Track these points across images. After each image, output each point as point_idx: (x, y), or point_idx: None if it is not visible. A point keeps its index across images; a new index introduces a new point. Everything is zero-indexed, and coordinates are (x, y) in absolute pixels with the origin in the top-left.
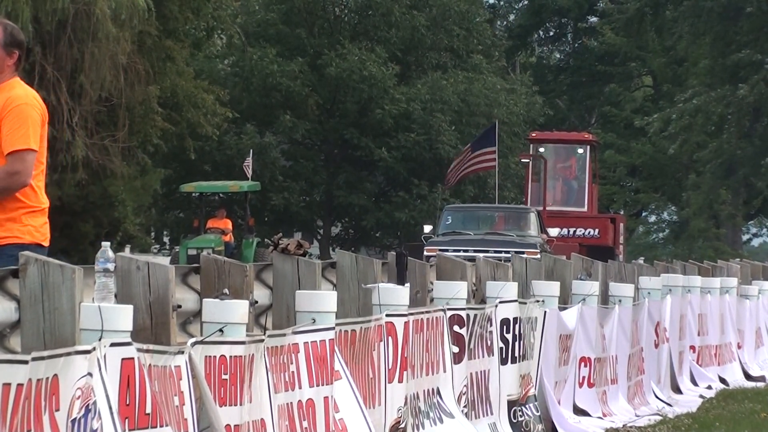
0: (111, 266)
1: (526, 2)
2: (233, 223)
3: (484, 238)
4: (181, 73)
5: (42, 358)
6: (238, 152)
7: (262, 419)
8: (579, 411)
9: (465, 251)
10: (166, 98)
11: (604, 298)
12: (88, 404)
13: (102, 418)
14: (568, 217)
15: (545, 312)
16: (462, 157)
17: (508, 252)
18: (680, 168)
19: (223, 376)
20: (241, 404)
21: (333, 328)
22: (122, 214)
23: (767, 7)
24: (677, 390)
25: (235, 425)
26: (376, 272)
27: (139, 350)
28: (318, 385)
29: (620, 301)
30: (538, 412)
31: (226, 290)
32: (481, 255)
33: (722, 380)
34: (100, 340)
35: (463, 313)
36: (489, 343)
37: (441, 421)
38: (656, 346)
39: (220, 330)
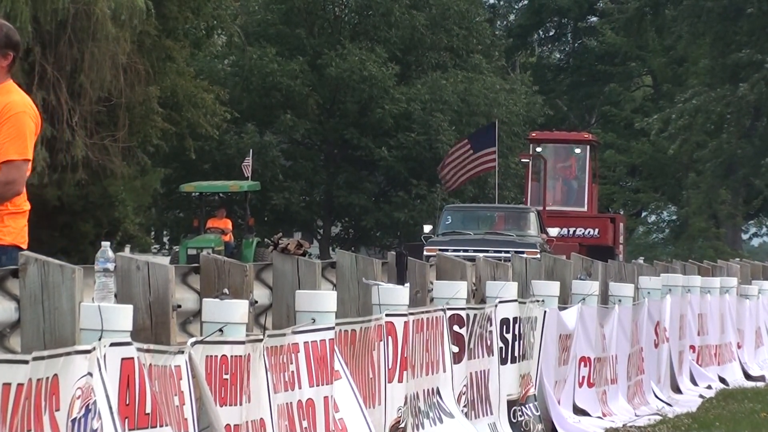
0: (111, 266)
1: (526, 2)
2: (233, 222)
3: (484, 238)
4: (181, 73)
5: (42, 358)
6: (238, 152)
7: (261, 419)
8: (579, 411)
9: (465, 251)
10: (166, 98)
11: (604, 298)
12: (88, 404)
13: (102, 417)
14: (568, 216)
15: (545, 312)
16: (460, 156)
17: (507, 252)
18: (680, 168)
19: (224, 376)
20: (240, 404)
21: (333, 328)
22: (122, 214)
23: (767, 7)
24: (677, 390)
25: (235, 425)
26: (376, 272)
27: (139, 350)
28: (318, 385)
29: (620, 300)
30: (537, 411)
31: (226, 290)
32: (481, 255)
33: (722, 380)
34: (100, 339)
35: (463, 313)
36: (489, 342)
37: (441, 421)
38: (656, 345)
39: (220, 330)
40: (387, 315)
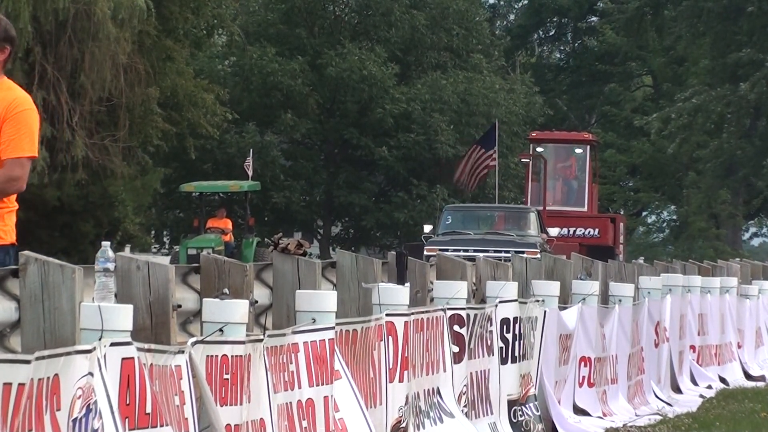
0: (111, 266)
1: (525, 2)
2: (233, 222)
3: (484, 238)
4: (181, 73)
5: (43, 358)
6: (238, 152)
7: (261, 419)
8: (579, 411)
9: (465, 251)
10: (167, 98)
11: (604, 298)
12: (89, 404)
13: (103, 417)
14: (568, 216)
15: (545, 312)
16: (474, 158)
17: (508, 252)
18: (680, 167)
19: (225, 376)
20: (241, 404)
21: (333, 328)
22: (122, 214)
23: (767, 6)
24: (677, 390)
25: (235, 425)
26: (376, 272)
27: (139, 350)
28: (318, 385)
29: (620, 300)
30: (538, 411)
31: (226, 290)
32: (481, 255)
33: (722, 380)
34: (100, 339)
35: (463, 313)
36: (489, 342)
37: (441, 420)
38: (656, 345)
39: (220, 330)
40: (387, 315)
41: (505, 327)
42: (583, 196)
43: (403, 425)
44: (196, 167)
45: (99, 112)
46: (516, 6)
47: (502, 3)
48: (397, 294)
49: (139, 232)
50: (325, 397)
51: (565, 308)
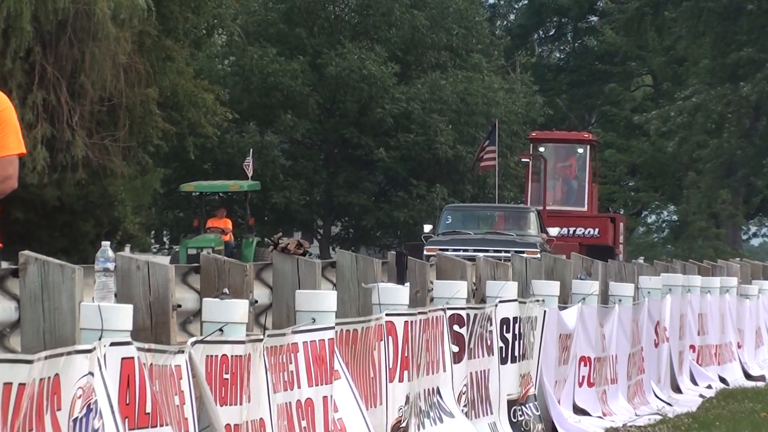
0: (111, 266)
1: (526, 2)
2: (233, 222)
3: (484, 238)
4: (181, 73)
5: (43, 358)
6: (238, 151)
7: (261, 419)
8: (579, 410)
9: (465, 251)
10: (167, 98)
11: (604, 298)
12: (89, 404)
13: (103, 417)
14: (568, 216)
15: (545, 311)
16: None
17: (508, 251)
18: (680, 167)
19: (225, 376)
20: (241, 404)
21: (333, 328)
22: (122, 214)
23: (767, 6)
24: (677, 389)
25: (235, 425)
26: (376, 272)
27: (139, 349)
28: (317, 385)
29: (620, 300)
30: (538, 411)
31: (226, 290)
32: (481, 254)
33: (722, 380)
34: (100, 339)
35: (463, 313)
36: (489, 342)
37: (441, 420)
38: (656, 345)
39: (220, 329)
40: (387, 315)
41: (505, 327)
42: (583, 195)
43: (404, 425)
44: (196, 167)
45: (99, 112)
46: (516, 6)
47: (502, 3)
48: (397, 294)
49: (139, 232)
50: (324, 397)
51: (565, 308)
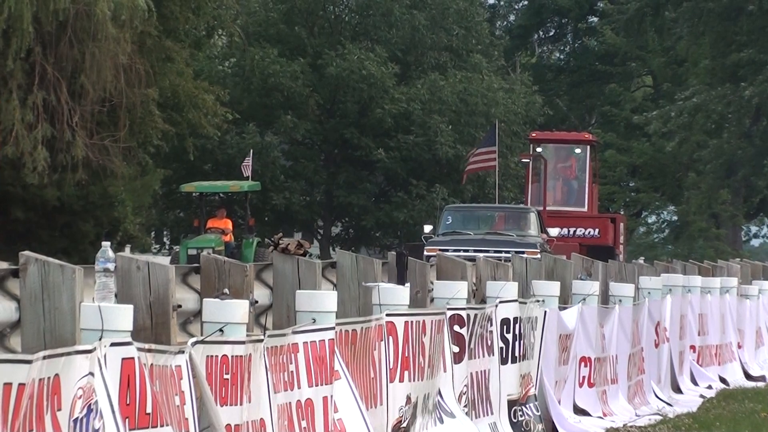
0: (111, 266)
1: (526, 2)
2: (233, 223)
3: (485, 238)
4: (181, 74)
5: (43, 358)
6: (238, 152)
7: (261, 419)
8: (579, 410)
9: (465, 251)
10: (167, 98)
11: (605, 298)
12: (89, 404)
13: (103, 417)
14: (568, 216)
15: (545, 312)
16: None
17: (508, 252)
18: (680, 168)
19: (225, 376)
20: (241, 404)
21: (333, 328)
22: (122, 214)
23: None
24: (677, 390)
25: (235, 425)
26: (377, 272)
27: (139, 350)
28: (317, 385)
29: (620, 300)
30: (538, 411)
31: (226, 290)
32: (482, 255)
33: (722, 380)
34: (100, 339)
35: (463, 313)
36: (489, 342)
37: (441, 420)
38: (656, 345)
39: (221, 330)
40: (387, 315)
41: (505, 327)
42: (583, 196)
43: (404, 425)
44: (196, 168)
45: (99, 113)
46: (516, 6)
47: (502, 3)
48: (398, 294)
49: (139, 233)
50: (324, 397)
51: (565, 308)
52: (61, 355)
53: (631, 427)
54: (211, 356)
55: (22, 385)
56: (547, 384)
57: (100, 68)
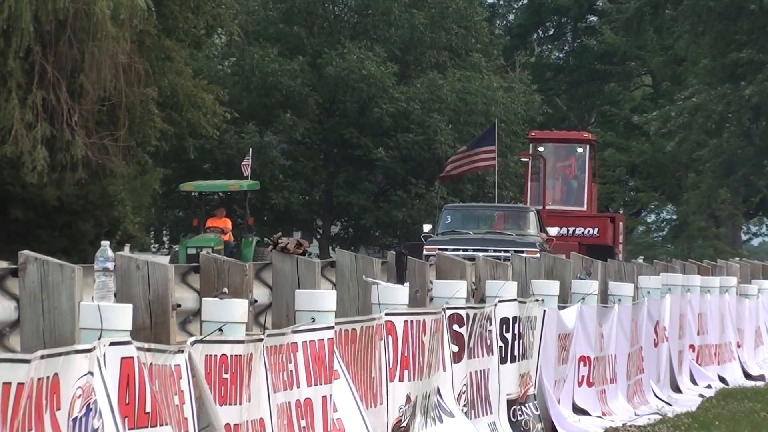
0: (110, 265)
1: (525, 1)
2: (233, 222)
3: (484, 238)
4: (180, 73)
5: (42, 357)
6: (238, 151)
7: (261, 418)
8: (578, 410)
9: (464, 250)
10: (166, 98)
11: (604, 297)
12: (89, 403)
13: (103, 416)
14: (567, 216)
15: (545, 311)
16: (459, 156)
17: (507, 251)
18: (680, 167)
19: (224, 375)
20: (240, 403)
21: (332, 328)
22: (122, 214)
23: None
24: (677, 389)
25: (234, 424)
26: (376, 271)
27: (139, 349)
28: (316, 385)
29: (620, 300)
30: (537, 411)
31: (225, 289)
32: (481, 254)
33: (722, 379)
34: (99, 339)
35: (462, 313)
36: (488, 342)
37: (441, 420)
38: (656, 345)
39: (220, 329)
40: (387, 314)
41: (504, 326)
42: (582, 195)
43: (404, 424)
44: (195, 167)
45: (98, 112)
46: (515, 6)
47: (501, 2)
48: (397, 293)
49: (138, 232)
50: (323, 396)
51: (564, 308)
52: (61, 354)
53: (630, 426)
54: (211, 355)
55: (21, 385)
56: (547, 383)
57: (100, 67)
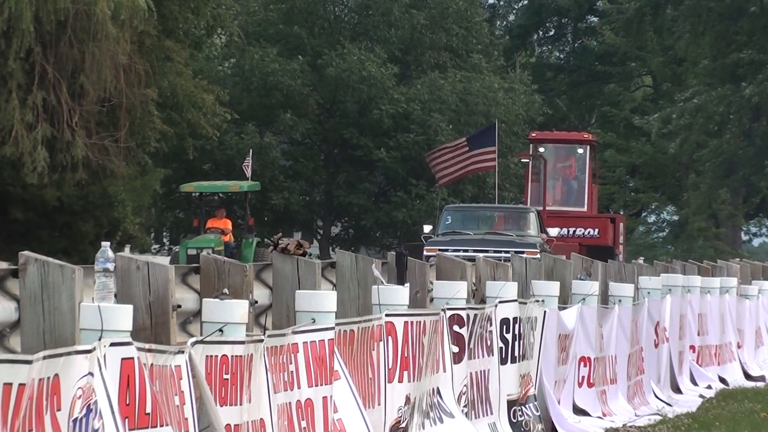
0: (111, 266)
1: (525, 2)
2: (233, 223)
3: (484, 238)
4: (180, 74)
5: (43, 358)
6: (238, 152)
7: (261, 419)
8: (579, 411)
9: (465, 251)
10: (166, 98)
11: (604, 298)
12: (89, 404)
13: (103, 417)
14: (567, 216)
15: (545, 312)
16: (456, 153)
17: (507, 252)
18: (680, 168)
19: (224, 376)
20: (241, 404)
21: (333, 328)
22: (122, 214)
23: None
24: (677, 390)
25: (235, 425)
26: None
27: (139, 350)
28: (317, 385)
29: (620, 300)
30: (537, 411)
31: (225, 290)
32: (481, 255)
33: (722, 380)
34: (99, 339)
35: (463, 313)
36: (489, 342)
37: (441, 420)
38: (656, 345)
39: (220, 330)
40: (387, 315)
41: (504, 327)
42: (582, 196)
43: (403, 425)
44: (195, 168)
45: (99, 113)
46: (516, 6)
47: (501, 3)
48: (397, 294)
49: (138, 233)
50: (324, 397)
51: (564, 308)
52: (61, 355)
53: (630, 427)
54: (211, 356)
55: (22, 385)
56: (547, 384)
57: (100, 68)
